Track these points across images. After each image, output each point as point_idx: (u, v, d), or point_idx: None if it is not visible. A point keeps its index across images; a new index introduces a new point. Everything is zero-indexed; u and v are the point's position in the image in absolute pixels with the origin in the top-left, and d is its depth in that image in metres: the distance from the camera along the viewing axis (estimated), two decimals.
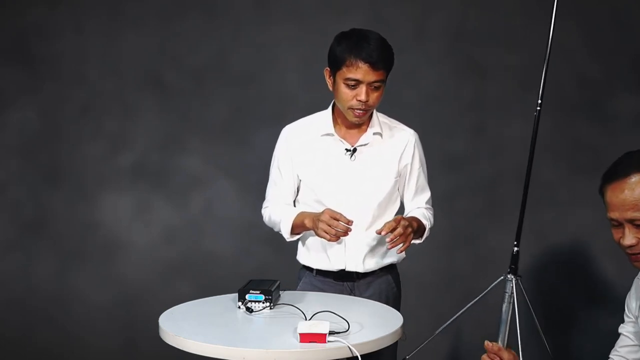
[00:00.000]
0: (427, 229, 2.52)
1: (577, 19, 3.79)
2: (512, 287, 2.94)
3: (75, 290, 3.91)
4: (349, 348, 1.86)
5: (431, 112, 3.83)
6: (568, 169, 3.79)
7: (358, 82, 2.33)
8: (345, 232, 2.30)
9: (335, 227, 2.28)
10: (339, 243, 2.44)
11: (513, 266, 3.01)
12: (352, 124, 2.47)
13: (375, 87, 2.35)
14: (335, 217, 2.28)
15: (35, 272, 3.93)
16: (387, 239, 2.30)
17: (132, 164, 3.93)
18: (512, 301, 2.92)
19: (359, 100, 2.34)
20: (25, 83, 3.91)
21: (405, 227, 2.29)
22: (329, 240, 2.31)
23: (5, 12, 3.89)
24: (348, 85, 2.35)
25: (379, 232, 2.31)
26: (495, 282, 2.99)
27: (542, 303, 3.80)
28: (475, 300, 3.01)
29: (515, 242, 3.07)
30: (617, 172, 1.75)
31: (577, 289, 3.81)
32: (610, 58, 3.80)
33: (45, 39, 3.90)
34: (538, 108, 3.06)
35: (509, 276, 3.01)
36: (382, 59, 2.33)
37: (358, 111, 2.37)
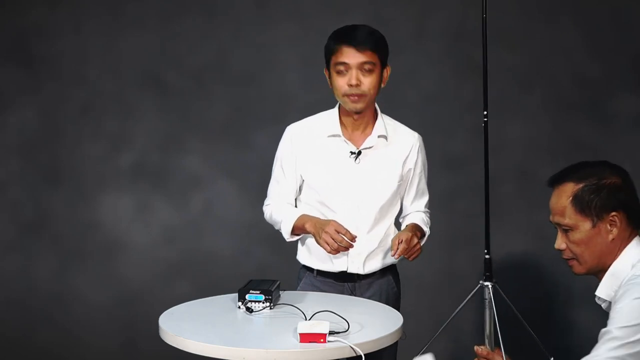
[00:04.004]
0: (426, 235, 2.56)
1: (576, 19, 3.79)
2: (490, 293, 3.04)
3: (75, 290, 3.91)
4: (352, 348, 1.86)
5: (431, 112, 3.83)
6: None
7: (347, 67, 2.36)
8: (347, 248, 2.31)
9: (338, 242, 2.29)
10: (337, 258, 2.44)
11: (488, 273, 3.10)
12: (357, 124, 2.47)
13: (366, 70, 2.37)
14: (341, 231, 2.29)
15: (35, 272, 3.92)
16: (395, 256, 2.34)
17: (132, 164, 3.93)
18: (491, 306, 3.01)
19: (351, 85, 2.36)
20: (25, 83, 3.91)
21: (408, 241, 2.34)
22: (329, 252, 2.32)
23: (5, 12, 3.89)
24: (339, 72, 2.38)
25: (393, 255, 2.35)
26: (474, 291, 3.09)
27: (541, 302, 3.80)
28: (452, 315, 3.09)
29: (486, 250, 3.14)
30: (556, 178, 1.87)
31: (577, 288, 3.80)
32: (610, 58, 3.80)
33: (45, 39, 3.89)
34: (485, 119, 3.16)
35: (485, 283, 3.09)
36: (367, 40, 2.36)
37: (353, 97, 2.38)
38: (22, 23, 3.88)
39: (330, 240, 2.29)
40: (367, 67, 2.36)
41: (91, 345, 3.86)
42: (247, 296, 2.17)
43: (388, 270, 2.55)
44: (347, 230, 2.30)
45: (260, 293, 2.17)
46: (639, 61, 3.80)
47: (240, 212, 3.86)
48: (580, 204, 1.79)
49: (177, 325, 2.04)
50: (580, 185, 1.80)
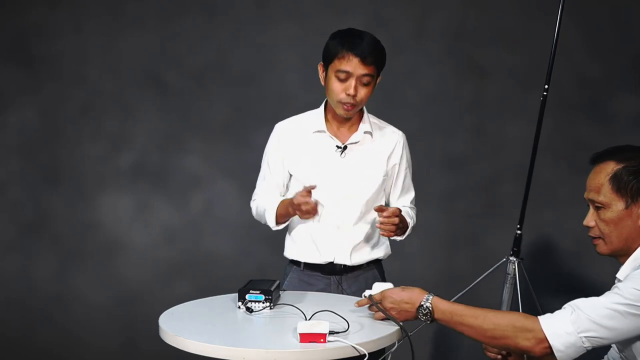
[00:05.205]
0: (409, 227, 2.57)
1: (577, 19, 3.79)
2: (515, 268, 2.95)
3: (75, 290, 3.91)
4: (354, 347, 1.86)
5: (431, 112, 3.83)
6: (568, 169, 3.79)
7: (348, 75, 2.39)
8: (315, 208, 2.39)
9: (306, 203, 2.35)
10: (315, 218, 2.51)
11: (515, 249, 3.02)
12: (343, 121, 2.52)
13: (364, 82, 2.41)
14: (303, 195, 2.36)
15: (35, 272, 3.93)
16: (378, 223, 2.37)
17: (132, 164, 3.93)
18: (514, 282, 2.92)
19: (348, 94, 2.40)
20: (25, 83, 3.91)
21: (394, 222, 2.37)
22: (306, 214, 2.40)
23: (5, 12, 3.89)
24: (339, 78, 2.40)
25: (377, 210, 2.37)
26: (498, 264, 2.99)
27: (540, 302, 3.79)
28: (475, 282, 3.00)
29: (519, 226, 3.08)
30: (599, 156, 1.90)
31: (576, 289, 3.80)
32: (610, 58, 3.80)
33: (45, 39, 3.90)
34: (545, 92, 3.05)
35: (511, 258, 3.01)
36: (373, 54, 2.39)
37: (347, 105, 2.42)
38: (22, 23, 3.89)
39: (303, 208, 2.36)
40: (365, 79, 2.40)
41: (91, 345, 3.86)
42: (247, 296, 2.17)
43: (374, 265, 2.60)
44: (304, 191, 2.36)
45: (260, 293, 2.17)
46: (639, 61, 3.80)
47: (240, 212, 3.85)
48: (618, 183, 1.81)
49: (177, 325, 2.03)
50: (621, 166, 1.82)
